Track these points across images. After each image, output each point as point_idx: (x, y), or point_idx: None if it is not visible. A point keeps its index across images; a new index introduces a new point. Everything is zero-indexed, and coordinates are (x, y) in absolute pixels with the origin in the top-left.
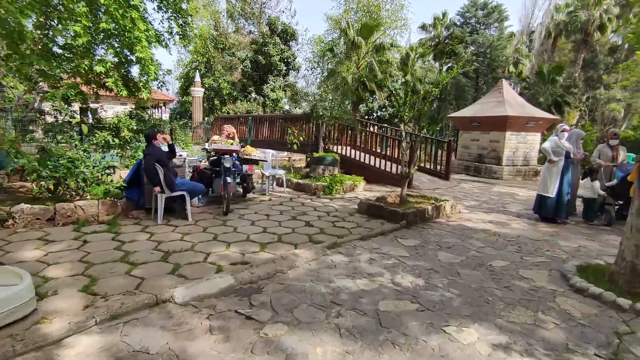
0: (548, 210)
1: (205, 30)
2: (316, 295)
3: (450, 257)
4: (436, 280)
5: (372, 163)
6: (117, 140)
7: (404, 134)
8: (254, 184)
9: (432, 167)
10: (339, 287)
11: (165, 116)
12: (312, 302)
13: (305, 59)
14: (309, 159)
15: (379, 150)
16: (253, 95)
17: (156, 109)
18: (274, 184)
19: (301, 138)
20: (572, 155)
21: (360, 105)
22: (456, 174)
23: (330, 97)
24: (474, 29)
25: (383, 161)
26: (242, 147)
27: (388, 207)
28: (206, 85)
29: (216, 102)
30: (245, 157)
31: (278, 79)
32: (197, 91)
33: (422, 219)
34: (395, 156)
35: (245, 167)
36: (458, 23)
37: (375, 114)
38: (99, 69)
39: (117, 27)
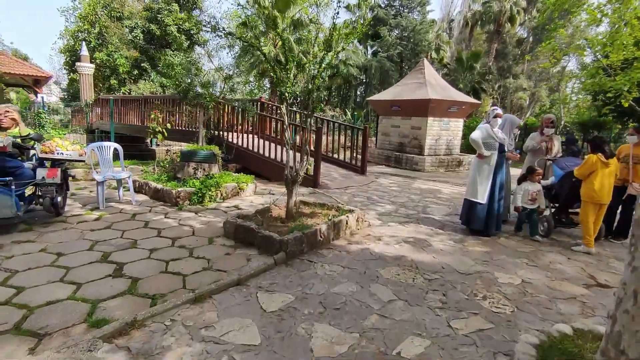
0: (478, 221)
1: None
2: None
3: (332, 338)
4: None
5: (274, 156)
6: None
7: (286, 119)
8: (57, 198)
9: (345, 160)
10: None
11: (39, 100)
12: None
13: (214, 35)
14: None
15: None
16: (153, 73)
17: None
18: (120, 191)
19: (169, 125)
20: (506, 150)
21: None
22: (376, 165)
23: (212, 72)
24: (398, 11)
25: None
26: (36, 139)
27: (265, 227)
28: (98, 61)
29: (113, 81)
30: (44, 156)
31: (178, 55)
32: (85, 67)
33: (312, 245)
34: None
35: (42, 173)
36: (382, 5)
37: (298, 98)
38: None
39: None
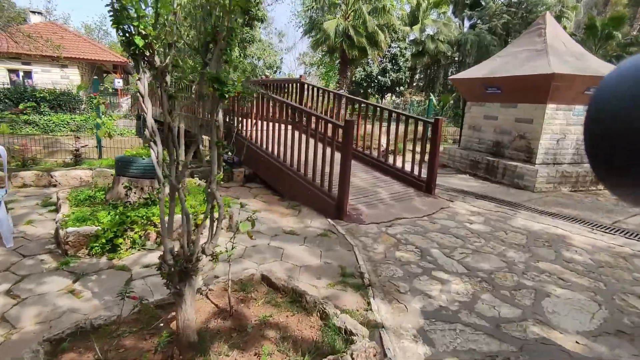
0: None
1: None
2: None
3: None
4: None
5: (290, 161)
6: None
7: (144, 102)
8: None
9: (404, 169)
10: None
11: (119, 83)
12: None
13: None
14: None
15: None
16: None
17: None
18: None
19: (113, 117)
20: None
21: (357, 69)
22: (456, 174)
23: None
24: None
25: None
26: None
27: None
28: None
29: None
30: None
31: None
32: None
33: None
34: (366, 151)
35: None
36: None
37: (375, 81)
38: None
39: None
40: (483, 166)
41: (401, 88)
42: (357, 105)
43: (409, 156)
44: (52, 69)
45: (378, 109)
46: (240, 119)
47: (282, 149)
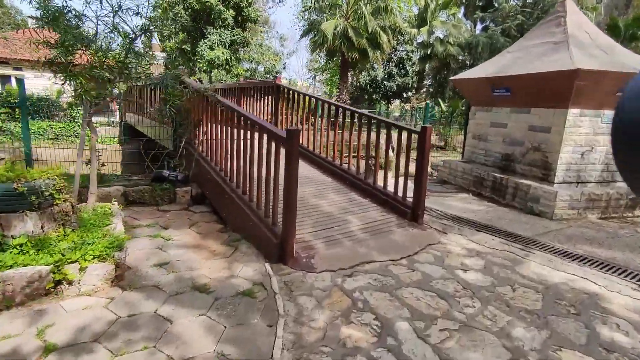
0: None
1: None
2: None
3: None
4: None
5: (240, 186)
6: None
7: None
8: None
9: (386, 189)
10: None
11: (115, 89)
12: None
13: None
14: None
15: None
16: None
17: None
18: None
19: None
20: None
21: (362, 74)
22: (455, 192)
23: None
24: None
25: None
26: None
27: None
28: (168, 49)
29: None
30: None
31: (223, 32)
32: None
33: None
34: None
35: None
36: None
37: (381, 86)
38: None
39: None
40: (489, 184)
41: (409, 93)
42: (322, 107)
43: (401, 171)
44: (44, 75)
45: (356, 115)
46: (194, 126)
47: (226, 163)
